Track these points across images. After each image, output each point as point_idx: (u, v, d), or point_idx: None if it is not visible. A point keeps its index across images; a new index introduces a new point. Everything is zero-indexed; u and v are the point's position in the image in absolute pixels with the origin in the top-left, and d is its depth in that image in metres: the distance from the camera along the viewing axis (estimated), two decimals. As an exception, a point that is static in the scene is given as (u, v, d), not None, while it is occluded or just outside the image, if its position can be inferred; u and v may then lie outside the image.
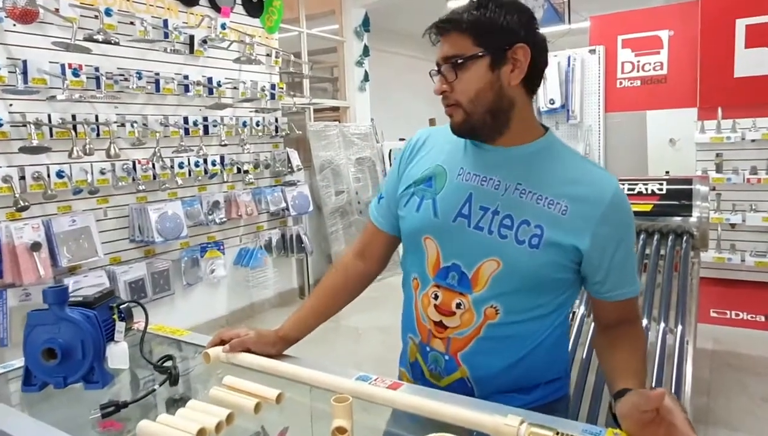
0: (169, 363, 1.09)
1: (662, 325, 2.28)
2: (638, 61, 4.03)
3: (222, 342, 1.15)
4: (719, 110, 3.46)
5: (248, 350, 1.12)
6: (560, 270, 0.96)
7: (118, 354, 1.11)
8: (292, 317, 1.18)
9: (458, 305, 0.98)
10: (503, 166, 0.99)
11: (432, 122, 9.84)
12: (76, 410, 1.09)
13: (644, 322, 2.28)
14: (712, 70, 3.52)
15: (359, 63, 5.75)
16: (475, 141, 1.03)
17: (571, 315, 2.44)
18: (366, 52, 5.79)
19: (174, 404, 1.16)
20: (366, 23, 5.74)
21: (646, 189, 2.78)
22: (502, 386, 1.01)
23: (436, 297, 1.01)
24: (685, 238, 2.58)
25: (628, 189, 2.82)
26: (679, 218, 2.68)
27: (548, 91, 4.10)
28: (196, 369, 1.22)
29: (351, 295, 1.21)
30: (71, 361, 1.01)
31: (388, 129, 6.21)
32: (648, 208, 2.75)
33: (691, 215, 2.64)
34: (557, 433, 0.72)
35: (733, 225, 3.46)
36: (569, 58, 4.08)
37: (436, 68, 1.00)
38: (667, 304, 2.37)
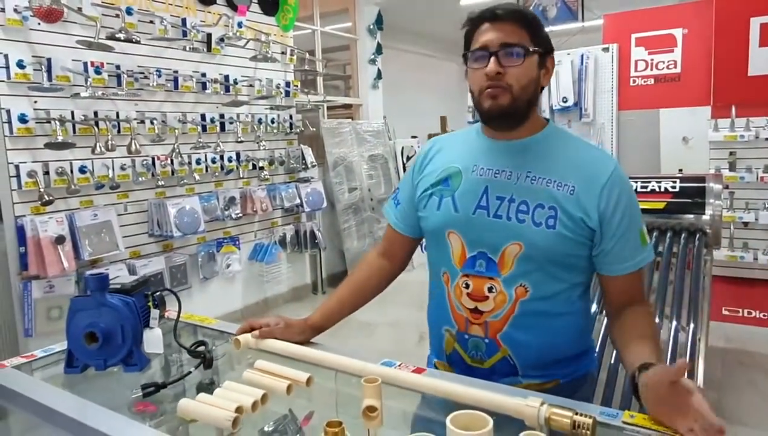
0: (202, 348, 1.15)
1: (674, 323, 2.30)
2: (652, 60, 4.03)
3: (251, 329, 1.20)
4: (733, 109, 3.46)
5: (275, 338, 1.17)
6: (576, 246, 1.05)
7: (152, 339, 1.17)
8: (321, 307, 1.26)
9: (490, 289, 1.06)
10: (513, 158, 1.09)
11: (443, 120, 9.86)
12: (115, 392, 1.15)
13: (656, 320, 2.31)
14: (726, 69, 3.53)
15: (372, 61, 5.79)
16: (498, 127, 1.10)
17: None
18: (379, 50, 5.83)
19: (205, 388, 1.22)
20: (379, 21, 5.78)
21: (659, 187, 2.79)
22: (540, 361, 1.08)
23: (467, 286, 1.08)
24: (697, 236, 2.60)
25: (641, 187, 2.84)
26: (692, 216, 2.70)
27: (561, 89, 4.11)
28: (224, 355, 1.27)
29: (375, 290, 1.30)
30: (111, 345, 1.06)
31: (400, 126, 6.25)
32: (661, 205, 2.77)
33: (704, 213, 2.65)
34: (576, 413, 0.76)
35: (746, 223, 3.46)
36: (582, 56, 4.09)
37: (480, 51, 1.06)
38: (679, 302, 2.39)
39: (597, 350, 2.17)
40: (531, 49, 1.04)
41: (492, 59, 1.04)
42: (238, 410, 0.85)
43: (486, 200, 1.08)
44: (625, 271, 1.07)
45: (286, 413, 1.06)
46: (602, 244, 1.05)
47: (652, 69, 4.02)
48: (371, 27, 5.75)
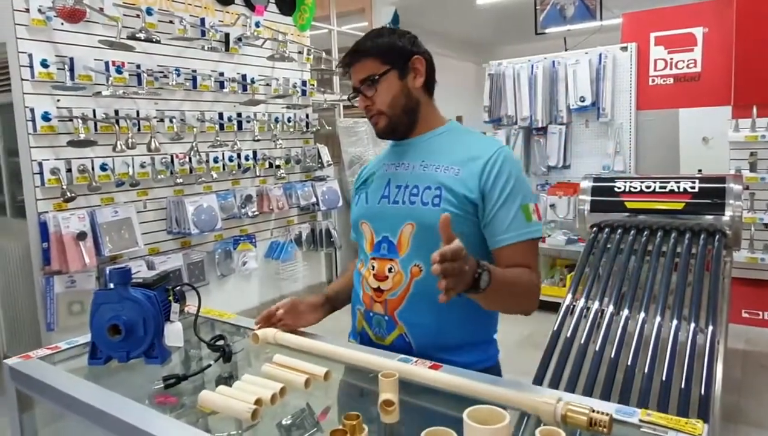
0: (221, 342, 1.17)
1: (693, 324, 2.28)
2: (671, 59, 3.99)
3: (269, 319, 1.25)
4: (754, 109, 3.41)
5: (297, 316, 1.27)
6: (462, 222, 1.13)
7: (173, 333, 1.19)
8: (331, 285, 1.43)
9: (390, 269, 1.19)
10: (411, 151, 1.25)
11: (459, 120, 9.82)
12: (136, 384, 1.18)
13: (674, 322, 2.29)
14: (747, 68, 3.47)
15: (388, 60, 5.80)
16: (394, 140, 1.28)
17: (600, 313, 2.47)
18: (395, 49, 5.84)
19: (223, 382, 1.24)
20: (395, 21, 5.79)
21: (678, 187, 2.77)
22: (437, 344, 1.16)
23: (373, 268, 1.21)
24: (717, 237, 2.57)
25: (660, 187, 2.81)
26: (711, 217, 2.67)
27: (578, 89, 4.08)
28: (242, 350, 1.29)
29: None
30: (134, 337, 1.09)
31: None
32: (680, 206, 2.74)
33: (723, 214, 2.62)
34: (592, 410, 0.77)
35: (766, 225, 3.41)
36: (600, 55, 4.06)
37: (354, 93, 1.25)
38: (698, 303, 2.37)
39: (612, 356, 2.15)
40: (382, 72, 1.19)
41: (359, 96, 1.23)
42: (258, 402, 0.87)
43: (388, 191, 1.23)
44: (507, 241, 1.14)
45: (304, 407, 1.08)
46: (485, 215, 1.15)
47: (671, 68, 3.98)
48: (387, 26, 5.76)
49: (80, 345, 1.27)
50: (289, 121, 4.26)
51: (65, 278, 2.89)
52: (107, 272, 1.11)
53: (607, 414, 0.75)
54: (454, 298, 1.06)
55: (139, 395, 1.07)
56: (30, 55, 2.78)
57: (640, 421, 0.81)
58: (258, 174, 4.02)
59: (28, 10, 2.78)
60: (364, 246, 1.25)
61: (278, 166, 4.14)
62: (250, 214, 3.88)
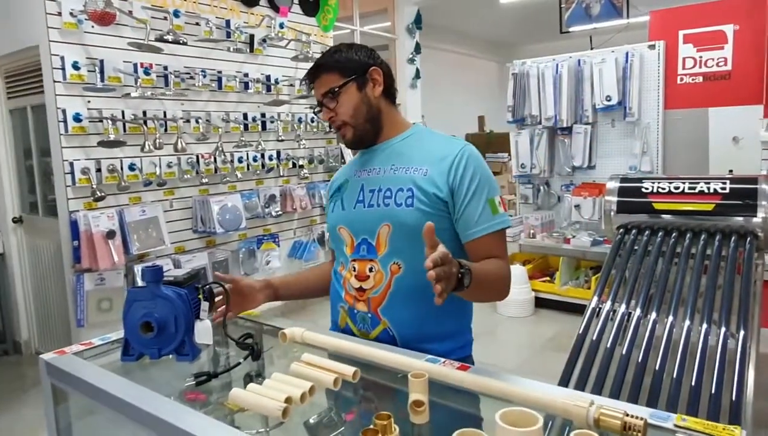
0: (249, 340, 1.18)
1: (723, 329, 2.22)
2: (700, 57, 3.91)
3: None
4: (788, 107, 3.32)
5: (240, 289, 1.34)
6: (433, 219, 1.15)
7: (202, 331, 1.21)
8: (284, 276, 1.49)
9: (370, 269, 1.25)
10: (380, 157, 1.31)
11: (481, 120, 9.78)
12: (166, 381, 1.20)
13: (704, 326, 2.24)
14: (780, 66, 3.38)
15: (411, 60, 5.79)
16: (362, 148, 1.34)
17: (627, 316, 2.43)
18: (418, 49, 5.83)
19: (250, 380, 1.25)
20: (418, 20, 5.78)
21: (708, 188, 2.70)
22: (418, 335, 1.23)
23: (354, 269, 1.27)
24: (748, 239, 2.50)
25: (689, 188, 2.75)
26: (742, 219, 2.61)
27: (604, 88, 4.02)
28: (271, 348, 1.31)
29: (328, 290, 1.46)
30: (165, 334, 1.11)
31: (438, 126, 6.20)
32: (710, 207, 2.68)
33: (755, 215, 2.56)
34: (626, 414, 0.75)
35: (800, 227, 3.31)
36: (627, 54, 3.99)
37: (318, 107, 1.31)
38: (728, 307, 2.31)
39: (639, 360, 2.12)
40: (341, 84, 1.25)
41: (323, 112, 1.29)
42: (287, 400, 0.87)
43: (362, 195, 1.29)
44: (477, 234, 1.21)
45: (331, 405, 1.08)
46: (455, 212, 1.22)
47: (700, 66, 3.90)
48: (410, 26, 5.75)
49: (113, 342, 1.29)
50: (312, 121, 4.29)
51: (95, 275, 2.96)
52: (140, 269, 1.13)
53: (642, 418, 0.74)
54: (430, 290, 1.15)
55: (169, 391, 1.09)
56: (62, 58, 2.85)
57: (675, 426, 0.79)
58: (281, 174, 4.06)
59: (60, 14, 2.85)
60: (344, 249, 1.31)
61: (301, 166, 4.18)
62: (273, 213, 3.92)
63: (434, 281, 0.92)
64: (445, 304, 1.16)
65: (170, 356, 1.15)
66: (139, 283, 3.10)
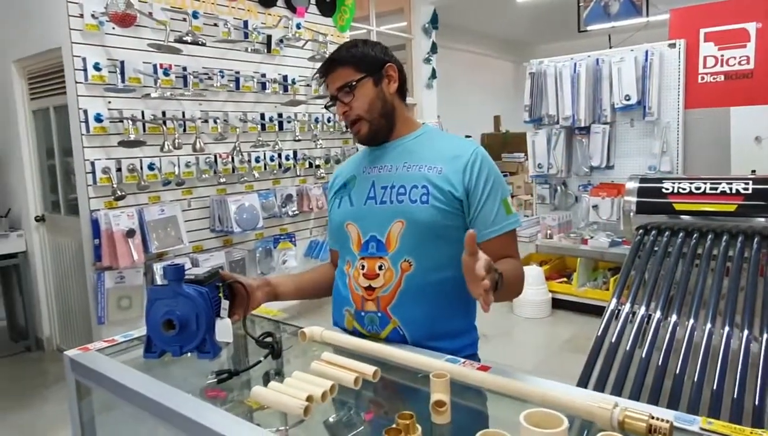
0: (269, 339, 1.19)
1: (746, 332, 2.18)
2: (722, 56, 3.85)
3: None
4: (813, 107, 3.25)
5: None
6: (448, 216, 1.21)
7: (222, 329, 1.22)
8: (282, 275, 1.48)
9: (380, 267, 1.23)
10: (393, 154, 1.31)
11: (497, 120, 9.73)
12: (187, 378, 1.21)
13: (726, 329, 2.20)
14: (805, 64, 3.32)
15: (427, 60, 5.78)
16: (374, 145, 1.33)
17: (646, 318, 2.40)
18: (434, 49, 5.82)
19: (269, 379, 1.26)
20: (434, 20, 5.77)
21: (730, 189, 2.66)
22: (428, 332, 1.22)
23: (363, 267, 1.25)
24: (772, 240, 2.45)
25: (710, 188, 2.71)
26: (764, 220, 2.56)
27: (624, 87, 3.98)
28: (290, 347, 1.31)
29: (328, 289, 1.47)
30: (187, 332, 1.11)
31: (453, 126, 6.22)
32: (732, 208, 2.63)
33: (779, 217, 2.51)
34: (652, 417, 0.75)
35: (826, 229, 3.24)
36: (647, 52, 3.94)
37: (331, 102, 1.30)
38: (751, 310, 2.27)
39: (659, 363, 2.09)
40: (357, 79, 1.25)
41: (337, 104, 1.28)
42: (309, 398, 0.88)
43: (374, 192, 1.28)
44: (492, 234, 1.23)
45: (351, 405, 1.09)
46: (470, 211, 1.23)
47: (722, 65, 3.84)
48: (426, 26, 5.74)
49: (135, 339, 1.31)
50: (328, 121, 4.30)
51: (115, 273, 3.00)
52: (161, 268, 1.14)
53: (668, 421, 0.73)
54: (441, 288, 1.22)
55: (189, 388, 1.10)
56: (84, 59, 2.90)
57: (702, 429, 0.78)
58: (298, 174, 4.08)
59: (82, 16, 2.89)
60: (350, 247, 1.29)
61: (318, 166, 4.19)
62: (290, 213, 3.94)
63: (485, 290, 0.92)
64: (454, 302, 1.25)
65: (191, 353, 1.16)
66: (158, 281, 3.14)
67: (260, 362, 1.14)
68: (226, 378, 1.05)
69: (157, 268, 3.14)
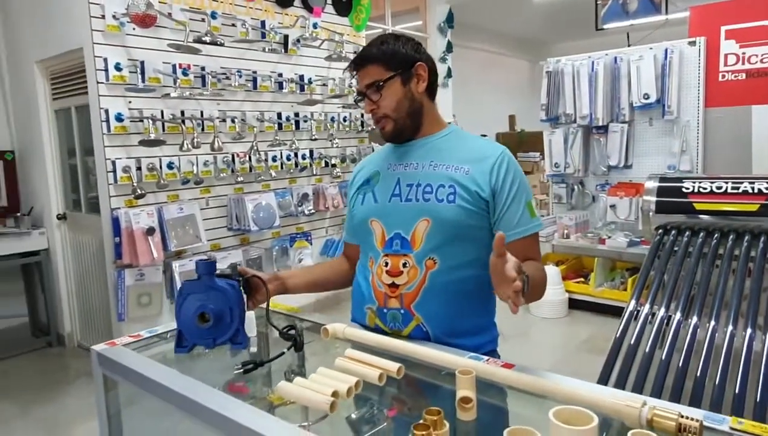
0: (292, 331, 1.21)
1: (768, 334, 2.15)
2: (743, 53, 3.79)
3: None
4: (838, 105, 3.19)
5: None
6: (473, 216, 1.23)
7: (246, 322, 1.24)
8: (295, 269, 1.54)
9: (404, 265, 1.24)
10: (419, 152, 1.31)
11: (512, 119, 9.68)
12: (210, 373, 1.24)
13: (748, 330, 2.17)
14: (830, 62, 3.25)
15: (442, 59, 5.77)
16: (399, 143, 1.33)
17: (666, 319, 2.37)
18: (449, 48, 5.81)
19: (292, 375, 1.27)
20: (450, 19, 5.75)
21: (752, 188, 2.62)
22: (450, 329, 1.24)
23: (386, 264, 1.26)
24: (796, 240, 2.41)
25: (732, 188, 2.68)
26: (788, 220, 2.52)
27: (642, 85, 3.93)
28: (311, 341, 1.33)
29: (338, 281, 1.55)
30: (221, 324, 1.16)
31: (468, 125, 6.18)
32: (754, 208, 2.60)
33: (803, 217, 2.47)
34: (681, 415, 0.74)
35: None
36: (666, 50, 3.90)
37: (359, 97, 1.32)
38: (774, 311, 2.24)
39: (680, 365, 2.07)
40: (387, 78, 1.25)
41: (365, 100, 1.29)
42: (335, 394, 0.89)
43: (399, 189, 1.29)
44: (516, 236, 1.23)
45: (374, 401, 1.09)
46: (495, 212, 1.24)
47: (743, 63, 3.78)
48: (442, 25, 5.73)
49: (159, 334, 1.34)
50: (345, 120, 4.31)
51: (135, 271, 3.04)
52: (195, 263, 1.18)
53: (698, 420, 0.73)
54: (463, 286, 1.24)
55: (212, 383, 1.12)
56: (105, 60, 2.94)
57: (732, 429, 0.77)
58: (314, 173, 4.10)
59: (103, 17, 2.93)
60: (373, 243, 1.30)
61: (334, 165, 4.21)
62: (306, 212, 3.96)
63: (515, 292, 0.94)
64: (475, 299, 1.27)
65: (211, 348, 1.18)
66: (177, 279, 3.18)
67: (284, 353, 1.17)
68: (253, 368, 1.09)
69: (176, 266, 3.18)
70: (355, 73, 1.31)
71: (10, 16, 3.75)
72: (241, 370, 1.09)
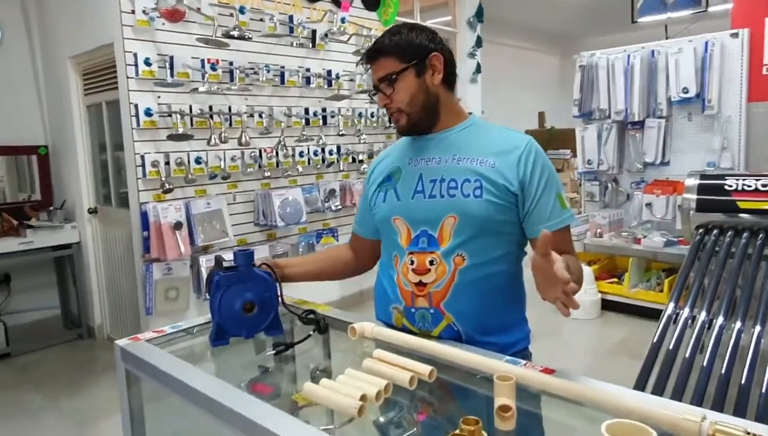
0: (312, 316, 1.22)
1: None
2: (790, 45, 3.61)
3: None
4: None
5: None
6: (502, 211, 1.18)
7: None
8: (295, 258, 1.50)
9: (431, 262, 1.19)
10: (440, 146, 1.26)
11: (542, 117, 9.49)
12: (232, 369, 1.21)
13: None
14: None
15: (472, 54, 5.67)
16: (416, 136, 1.29)
17: (707, 324, 2.26)
18: (479, 43, 5.70)
19: (317, 375, 1.23)
20: (479, 14, 5.65)
21: (801, 186, 2.49)
22: (482, 327, 1.20)
23: (412, 263, 1.21)
24: None
25: (777, 185, 2.55)
26: (840, 219, 2.38)
27: (681, 79, 3.78)
28: (337, 341, 1.29)
29: (341, 270, 1.51)
30: (263, 312, 1.19)
31: (497, 122, 6.05)
32: (803, 207, 2.46)
33: None
34: (747, 432, 0.67)
35: None
36: (706, 43, 3.74)
37: (374, 90, 1.27)
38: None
39: (722, 372, 1.98)
40: (399, 70, 1.20)
41: (379, 94, 1.25)
42: (362, 398, 0.84)
43: (422, 185, 1.24)
44: (550, 229, 1.13)
45: (402, 404, 1.04)
46: (525, 206, 1.19)
47: (790, 55, 3.60)
48: (471, 20, 5.63)
49: (183, 330, 1.31)
50: (372, 116, 4.27)
51: (163, 265, 3.05)
52: (233, 253, 1.19)
53: (766, 438, 0.65)
54: (494, 281, 1.20)
55: (235, 381, 1.09)
56: (135, 55, 2.95)
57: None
58: (341, 169, 4.06)
59: (133, 12, 2.94)
60: (398, 241, 1.25)
61: (361, 161, 4.17)
62: (333, 208, 3.93)
63: (567, 294, 0.91)
64: (506, 295, 1.24)
65: (252, 337, 1.19)
66: (204, 274, 3.17)
67: (310, 335, 1.19)
68: (284, 350, 1.13)
69: (203, 260, 3.18)
70: (368, 66, 1.26)
71: (45, 14, 3.81)
72: (273, 352, 1.12)
